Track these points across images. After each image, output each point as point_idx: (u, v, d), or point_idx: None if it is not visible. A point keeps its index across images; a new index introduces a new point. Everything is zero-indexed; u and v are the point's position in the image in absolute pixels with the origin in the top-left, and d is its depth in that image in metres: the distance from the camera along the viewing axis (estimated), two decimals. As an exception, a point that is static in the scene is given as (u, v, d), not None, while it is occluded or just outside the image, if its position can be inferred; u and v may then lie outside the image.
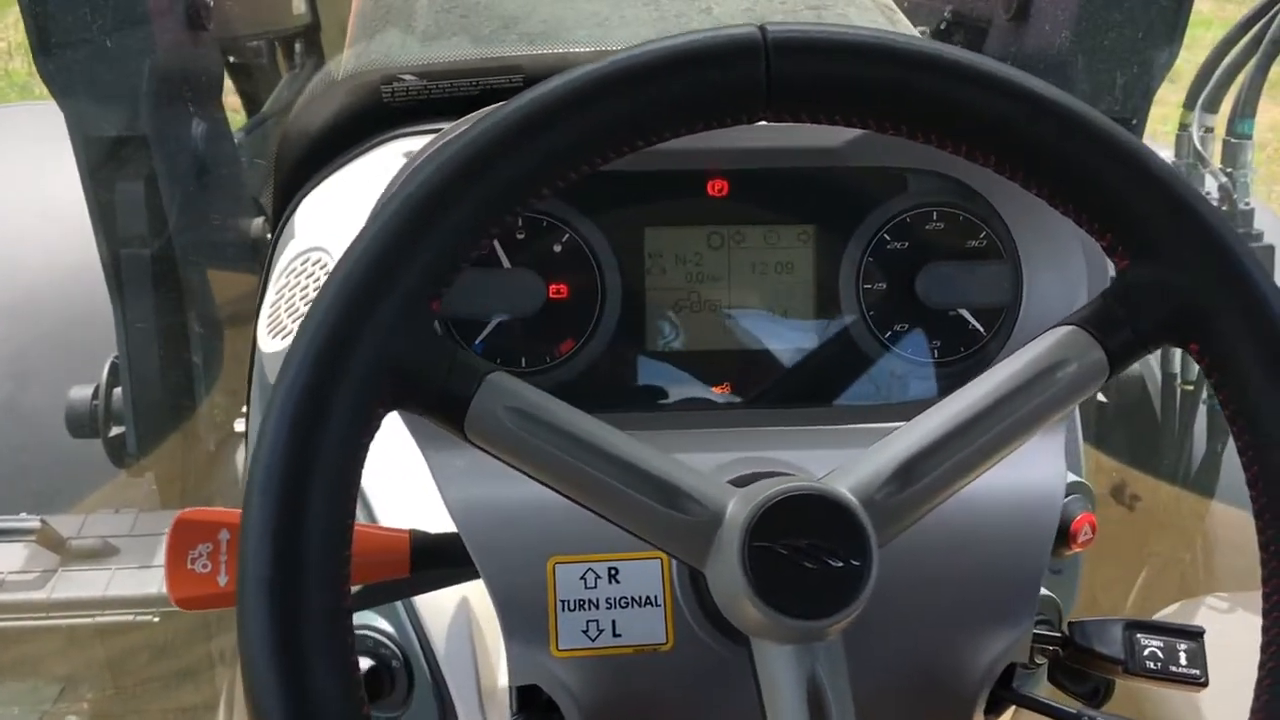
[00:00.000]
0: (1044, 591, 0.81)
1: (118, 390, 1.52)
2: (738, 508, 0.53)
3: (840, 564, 0.51)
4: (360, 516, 0.80)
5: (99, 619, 1.28)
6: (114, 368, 1.53)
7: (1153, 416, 1.79)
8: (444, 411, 0.52)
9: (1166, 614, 1.42)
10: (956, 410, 0.56)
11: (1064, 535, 0.81)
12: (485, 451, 0.53)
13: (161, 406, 1.53)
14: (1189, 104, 1.78)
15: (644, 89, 0.53)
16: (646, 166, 0.71)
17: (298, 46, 2.11)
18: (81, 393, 1.53)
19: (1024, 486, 0.68)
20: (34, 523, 1.34)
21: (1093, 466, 1.79)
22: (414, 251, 0.51)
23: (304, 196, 0.92)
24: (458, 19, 1.07)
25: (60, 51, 1.34)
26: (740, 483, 0.57)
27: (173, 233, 1.49)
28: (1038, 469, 0.69)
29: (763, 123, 0.55)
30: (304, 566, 0.47)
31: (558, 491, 0.54)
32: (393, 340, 0.50)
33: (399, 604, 0.74)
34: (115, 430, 1.52)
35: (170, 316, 1.52)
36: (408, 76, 0.94)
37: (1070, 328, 0.57)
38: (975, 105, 0.54)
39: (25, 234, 1.88)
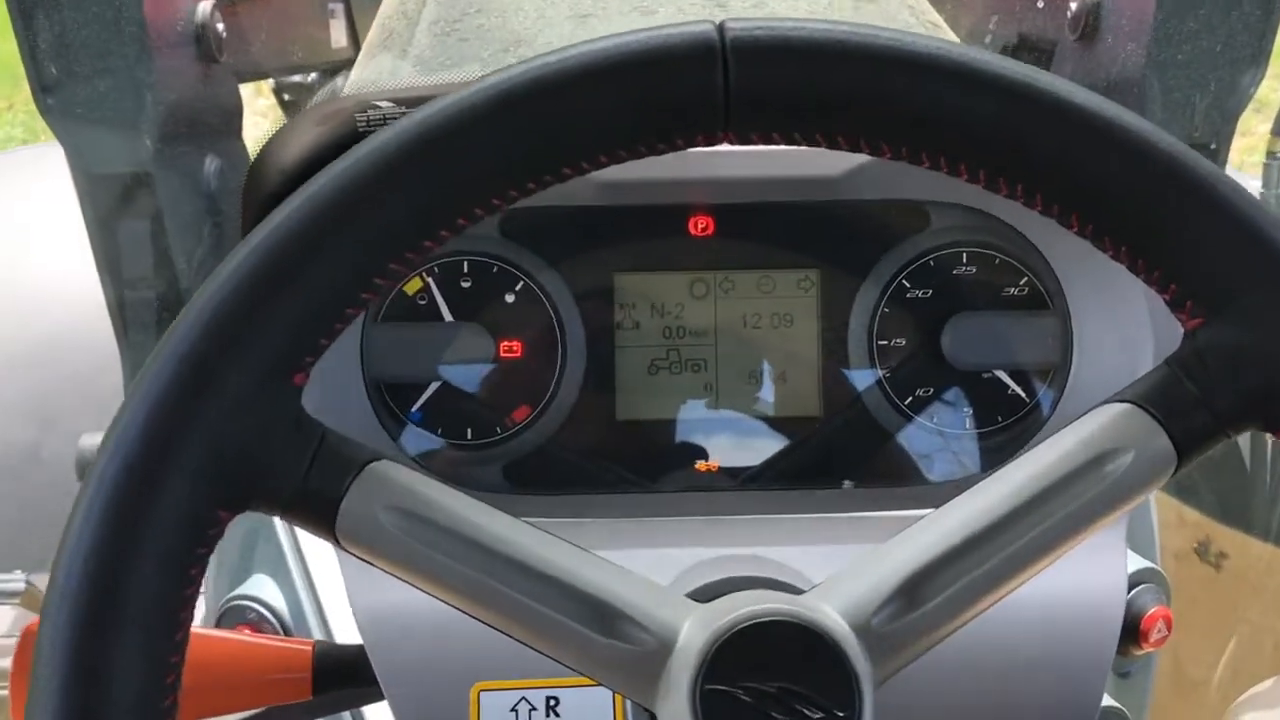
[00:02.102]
0: (1109, 702, 0.71)
1: None
2: (692, 635, 0.42)
3: (819, 715, 0.40)
4: (314, 626, 0.72)
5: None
6: None
7: (1241, 464, 1.66)
8: (307, 513, 0.42)
9: (1260, 691, 1.32)
10: (979, 510, 0.44)
11: (1134, 633, 0.73)
12: (366, 562, 0.43)
13: None
14: (1277, 130, 1.67)
15: (567, 103, 0.42)
16: (615, 200, 0.63)
17: (339, 81, 2.08)
18: (92, 441, 1.48)
19: (1074, 589, 0.57)
20: (19, 584, 1.27)
21: (1174, 520, 1.69)
22: (269, 310, 0.41)
23: None
24: (456, 43, 1.01)
25: (59, 87, 1.30)
26: (704, 594, 0.47)
27: (180, 274, 1.44)
28: (1093, 566, 0.57)
29: (747, 147, 0.45)
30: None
31: (463, 612, 0.43)
32: (238, 424, 0.40)
33: (346, 712, 0.66)
34: (125, 480, 1.48)
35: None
36: (383, 103, 0.86)
37: (1126, 406, 0.45)
38: (994, 119, 0.43)
39: (48, 277, 1.87)
